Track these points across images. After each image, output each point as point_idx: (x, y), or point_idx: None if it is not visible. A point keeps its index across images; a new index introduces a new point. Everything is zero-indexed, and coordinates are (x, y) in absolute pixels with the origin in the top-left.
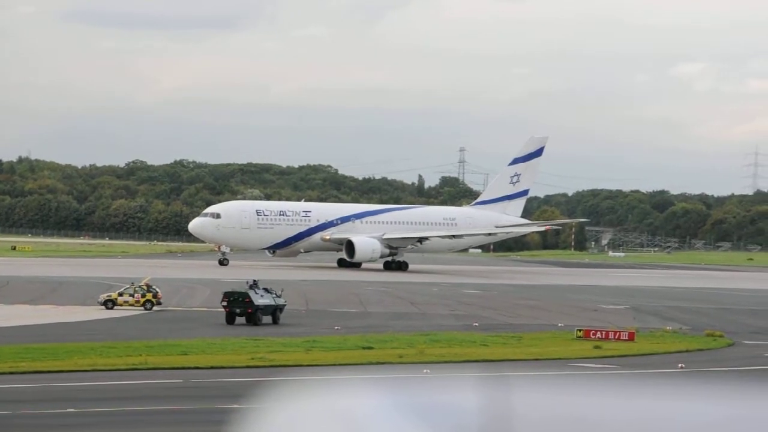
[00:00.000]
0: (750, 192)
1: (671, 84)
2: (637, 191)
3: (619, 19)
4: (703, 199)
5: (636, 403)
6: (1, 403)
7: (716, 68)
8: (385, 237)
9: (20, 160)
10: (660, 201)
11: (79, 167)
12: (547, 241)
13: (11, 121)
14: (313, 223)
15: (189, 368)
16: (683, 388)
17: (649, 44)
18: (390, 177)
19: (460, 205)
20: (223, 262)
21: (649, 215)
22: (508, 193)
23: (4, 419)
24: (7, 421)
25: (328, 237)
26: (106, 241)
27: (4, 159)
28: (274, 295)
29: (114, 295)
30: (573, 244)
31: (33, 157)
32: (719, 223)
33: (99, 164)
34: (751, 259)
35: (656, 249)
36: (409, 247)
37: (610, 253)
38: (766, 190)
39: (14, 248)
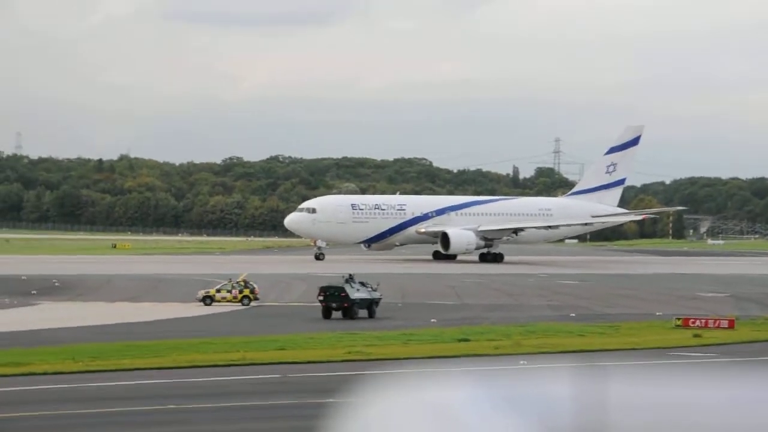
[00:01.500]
0: None
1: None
2: (736, 178)
3: (716, 2)
4: None
5: (735, 391)
6: (106, 401)
7: None
8: (480, 229)
9: (120, 159)
10: (760, 187)
11: (177, 164)
12: (645, 230)
13: (111, 121)
14: (408, 216)
15: (286, 363)
16: None
17: (752, 25)
18: (485, 168)
19: (555, 195)
20: (319, 257)
21: (749, 202)
22: (605, 183)
23: (108, 416)
24: (111, 418)
25: (423, 230)
26: (204, 238)
27: (105, 158)
28: (370, 289)
29: (212, 291)
30: (671, 232)
31: (132, 156)
32: None
33: (196, 161)
34: None
35: (756, 236)
36: (505, 238)
37: (709, 241)
38: None
39: (114, 246)
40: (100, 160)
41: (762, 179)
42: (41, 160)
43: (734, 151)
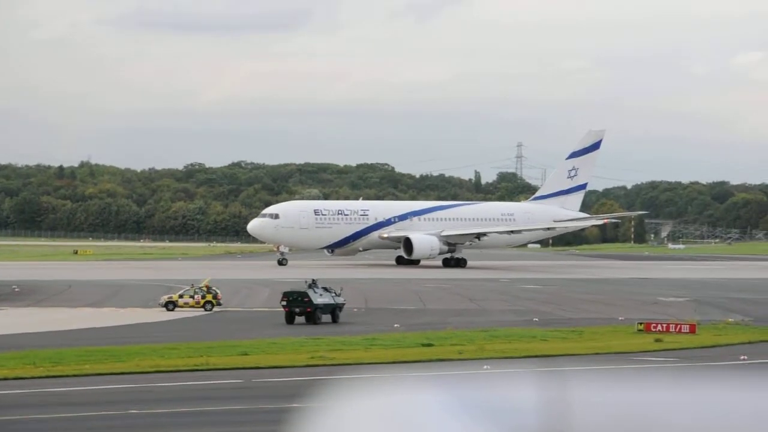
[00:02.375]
0: None
1: (730, 73)
2: (696, 183)
3: (675, 11)
4: (764, 189)
5: (697, 395)
6: (66, 406)
7: None
8: (443, 234)
9: (81, 165)
10: (720, 192)
11: (139, 171)
12: (607, 235)
13: (71, 127)
14: (371, 222)
15: (250, 368)
16: (746, 381)
17: (706, 33)
18: (447, 174)
19: (518, 200)
20: (282, 262)
21: (709, 206)
22: (566, 188)
23: (68, 421)
24: (72, 423)
25: (386, 235)
26: (166, 244)
27: (65, 164)
28: (333, 294)
29: (175, 296)
30: (632, 237)
31: (93, 162)
32: None
33: (158, 168)
34: None
35: (717, 240)
36: (468, 243)
37: (670, 246)
38: None
39: (76, 252)
40: (60, 167)
41: (722, 183)
42: (0, 167)
43: (693, 156)
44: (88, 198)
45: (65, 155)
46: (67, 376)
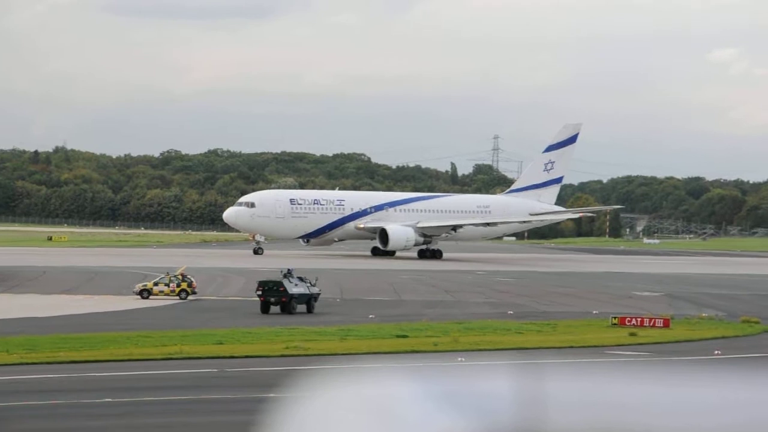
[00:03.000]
0: None
1: (706, 68)
2: (672, 178)
3: (652, 4)
4: (739, 185)
5: (670, 389)
6: (40, 393)
7: (751, 52)
8: (419, 225)
9: (56, 151)
10: (695, 187)
11: (114, 157)
12: (582, 229)
13: (47, 112)
14: (347, 212)
15: (224, 357)
16: (719, 375)
17: (684, 27)
18: (424, 165)
19: (494, 192)
20: (257, 251)
21: (684, 202)
22: (542, 181)
23: (42, 409)
24: (45, 411)
25: (362, 225)
26: (141, 231)
27: (40, 150)
28: (309, 284)
29: (149, 284)
30: (608, 231)
31: (69, 148)
32: (755, 209)
33: (134, 154)
34: None
35: (691, 236)
36: (443, 235)
37: (645, 240)
38: None
39: (50, 238)
40: (35, 152)
41: (697, 179)
42: None
43: (669, 151)
44: (63, 184)
45: (40, 140)
46: (41, 363)
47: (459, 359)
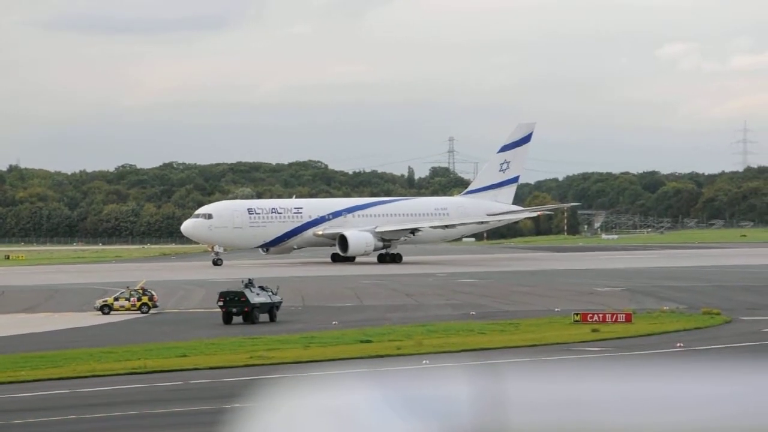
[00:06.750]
0: (740, 169)
1: (656, 64)
2: (627, 173)
3: (598, 2)
4: (694, 177)
5: (633, 384)
6: (4, 413)
7: (700, 47)
8: (377, 230)
9: (10, 169)
10: (651, 182)
11: (69, 174)
12: (540, 227)
13: None
14: (305, 220)
15: (188, 370)
16: (682, 368)
17: (631, 25)
18: (380, 170)
19: (451, 195)
20: (216, 263)
21: (640, 196)
22: (499, 181)
23: (5, 429)
24: (9, 430)
25: (320, 232)
26: (99, 247)
27: None
28: (270, 293)
29: (110, 300)
30: (566, 228)
31: (22, 166)
32: (711, 201)
33: (89, 170)
34: (744, 235)
35: (649, 230)
36: (402, 238)
37: (603, 236)
38: (756, 167)
39: (8, 257)
40: None
41: (652, 173)
42: None
43: (624, 147)
44: (19, 202)
45: None
46: (3, 383)
47: (424, 362)
